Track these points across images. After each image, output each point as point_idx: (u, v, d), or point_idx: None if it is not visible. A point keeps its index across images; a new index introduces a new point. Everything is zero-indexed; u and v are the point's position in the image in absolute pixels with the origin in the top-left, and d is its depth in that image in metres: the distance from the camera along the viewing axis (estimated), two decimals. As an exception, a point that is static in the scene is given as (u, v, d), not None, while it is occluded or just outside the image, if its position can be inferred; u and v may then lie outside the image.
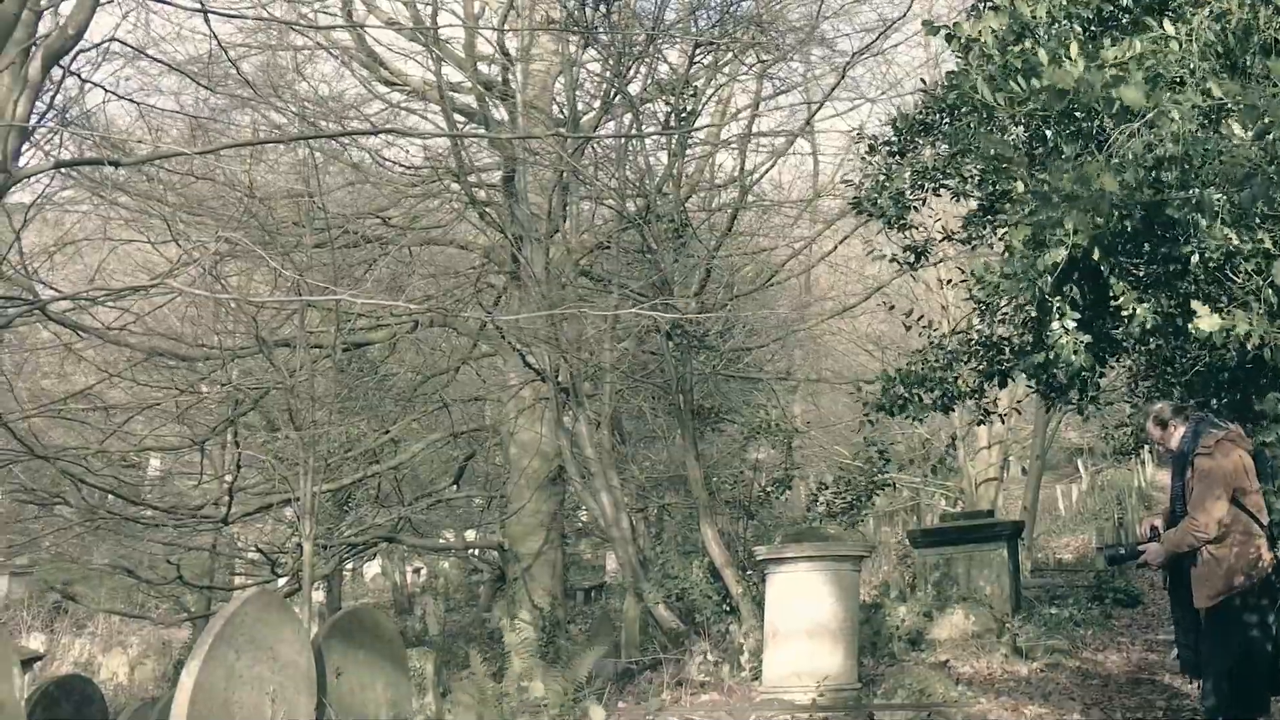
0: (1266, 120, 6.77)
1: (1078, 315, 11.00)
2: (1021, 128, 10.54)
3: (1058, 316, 10.63)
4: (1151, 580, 22.37)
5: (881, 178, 13.72)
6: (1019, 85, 8.23)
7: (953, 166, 13.02)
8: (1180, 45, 7.95)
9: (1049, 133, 9.68)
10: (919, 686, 13.50)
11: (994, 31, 9.74)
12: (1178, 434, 9.72)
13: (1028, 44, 9.58)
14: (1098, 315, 12.07)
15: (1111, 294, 11.32)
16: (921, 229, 14.34)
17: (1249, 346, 6.55)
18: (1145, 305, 10.90)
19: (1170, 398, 10.80)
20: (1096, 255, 9.86)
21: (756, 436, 21.16)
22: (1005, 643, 16.34)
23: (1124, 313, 11.22)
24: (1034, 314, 11.17)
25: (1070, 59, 7.45)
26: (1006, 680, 14.59)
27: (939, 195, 13.93)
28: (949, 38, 11.22)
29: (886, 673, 14.61)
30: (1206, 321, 6.33)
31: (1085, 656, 16.24)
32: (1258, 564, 9.23)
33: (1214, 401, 10.81)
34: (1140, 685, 13.92)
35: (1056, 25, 10.39)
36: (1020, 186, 10.36)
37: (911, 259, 14.31)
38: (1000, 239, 10.92)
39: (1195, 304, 6.48)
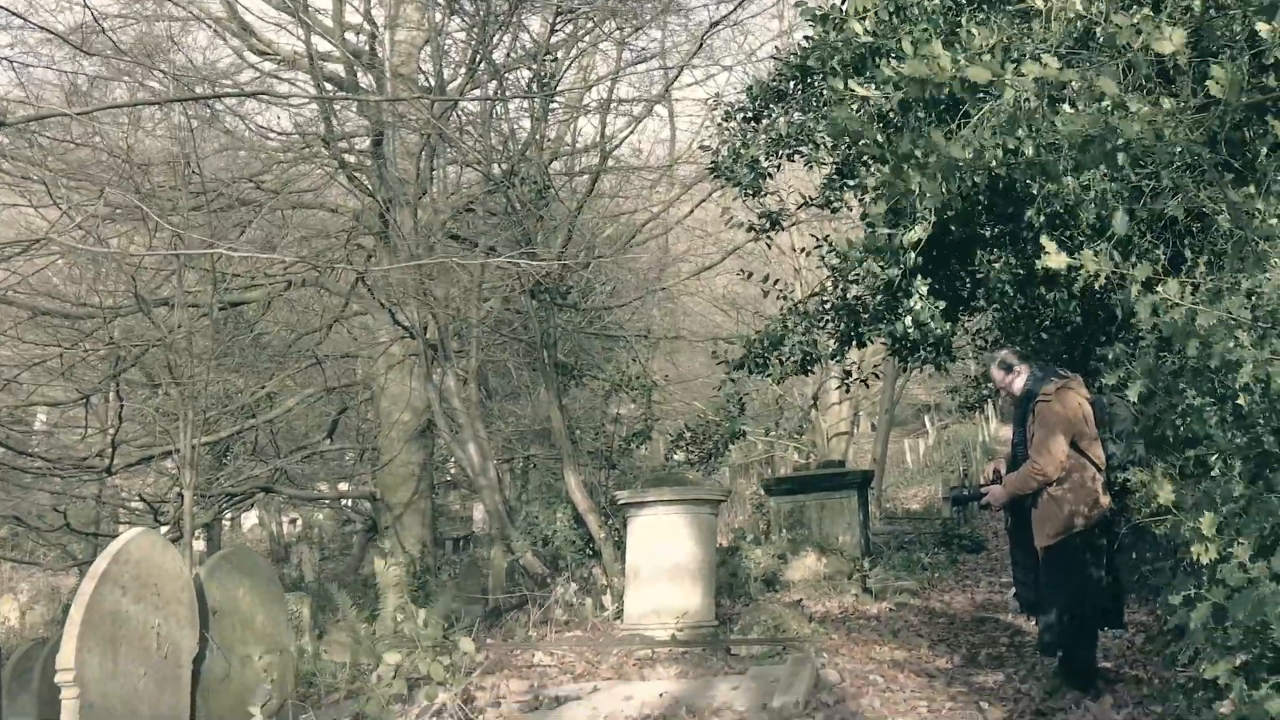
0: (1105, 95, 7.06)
1: (932, 283, 11.31)
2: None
3: (915, 292, 10.94)
4: (995, 528, 22.83)
5: (737, 145, 13.88)
6: (884, 71, 8.46)
7: (805, 134, 13.19)
8: (1040, 24, 8.21)
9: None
10: (774, 623, 13.66)
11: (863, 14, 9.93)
12: (1021, 379, 9.96)
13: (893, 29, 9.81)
14: (951, 279, 12.40)
15: (964, 257, 11.65)
16: (776, 197, 14.53)
17: (1096, 287, 6.83)
18: (997, 266, 11.25)
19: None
20: (951, 220, 10.16)
21: (618, 392, 21.35)
22: (856, 584, 16.64)
23: (978, 275, 11.57)
24: (891, 281, 11.40)
25: (931, 46, 7.68)
26: (858, 619, 14.83)
27: (793, 161, 14.11)
28: (822, 18, 11.43)
29: (743, 611, 14.76)
30: (1055, 259, 6.55)
31: (932, 598, 16.55)
32: (1095, 505, 9.51)
33: (1062, 356, 11.08)
34: (984, 624, 14.22)
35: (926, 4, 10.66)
36: (873, 156, 10.59)
37: (767, 226, 14.50)
38: (859, 204, 11.13)
39: (1044, 240, 6.71)
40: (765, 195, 14.26)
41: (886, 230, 10.34)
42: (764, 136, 13.63)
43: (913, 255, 10.13)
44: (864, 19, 9.78)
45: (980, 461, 33.50)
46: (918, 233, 9.85)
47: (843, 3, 11.67)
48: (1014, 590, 11.48)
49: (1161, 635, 10.84)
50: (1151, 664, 10.53)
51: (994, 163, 8.39)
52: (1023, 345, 12.25)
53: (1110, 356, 7.12)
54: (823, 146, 13.23)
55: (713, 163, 14.17)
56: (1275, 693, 5.35)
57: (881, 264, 11.06)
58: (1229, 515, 5.99)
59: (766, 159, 13.73)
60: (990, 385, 17.90)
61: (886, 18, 10.50)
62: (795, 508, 20.65)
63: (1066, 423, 9.46)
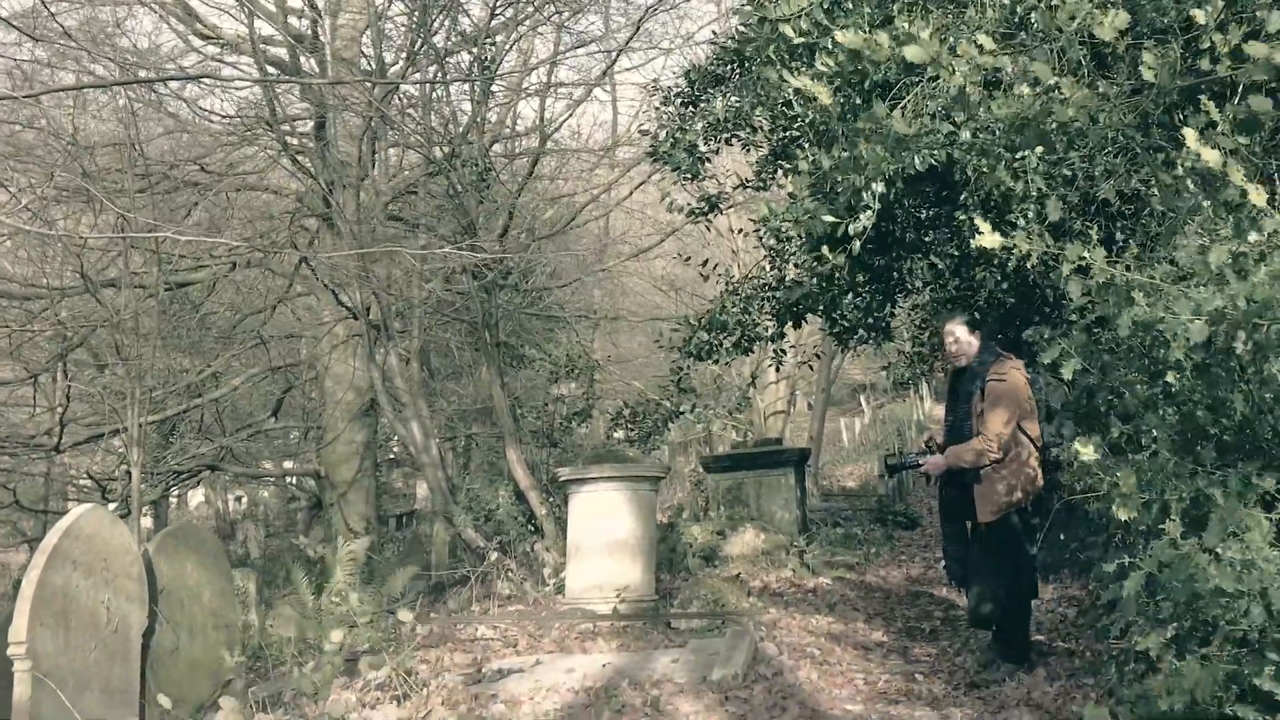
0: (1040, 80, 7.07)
1: (871, 267, 11.32)
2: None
3: (855, 281, 10.95)
4: (930, 505, 22.91)
5: (675, 129, 13.86)
6: (819, 66, 8.46)
7: (742, 118, 13.18)
8: (975, 10, 8.23)
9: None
10: (713, 597, 13.68)
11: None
12: (973, 349, 10.00)
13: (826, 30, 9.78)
14: (888, 264, 12.42)
15: (901, 240, 11.66)
16: (714, 180, 14.51)
17: (1029, 266, 6.84)
18: (933, 247, 11.29)
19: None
20: (893, 205, 10.15)
21: (561, 375, 21.38)
22: (794, 559, 16.64)
23: (914, 257, 11.59)
24: (831, 272, 11.40)
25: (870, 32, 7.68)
26: (795, 593, 14.86)
27: (730, 145, 14.10)
28: (762, 21, 11.40)
29: (683, 585, 14.77)
30: (989, 239, 6.56)
31: (869, 573, 16.59)
32: (1033, 483, 9.57)
33: (997, 335, 11.09)
34: (919, 598, 14.29)
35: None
36: (811, 139, 10.62)
37: (705, 209, 14.48)
38: (789, 183, 11.09)
39: (978, 220, 6.72)
40: (703, 179, 14.25)
41: (830, 219, 10.31)
42: (701, 121, 13.61)
43: (857, 244, 10.10)
44: (798, 19, 9.75)
45: (915, 439, 33.60)
46: (863, 221, 9.80)
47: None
48: (944, 563, 11.54)
49: (1094, 608, 10.90)
50: (1084, 637, 10.58)
51: (934, 145, 8.41)
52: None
53: (1041, 335, 7.13)
54: (760, 130, 13.23)
55: (651, 147, 14.15)
56: (1204, 665, 5.37)
57: (819, 255, 11.04)
58: (1157, 490, 6.02)
59: (704, 143, 13.72)
60: (929, 360, 17.97)
61: (821, 16, 10.48)
62: (734, 485, 20.67)
63: (1015, 402, 9.50)
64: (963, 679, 9.86)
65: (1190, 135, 6.26)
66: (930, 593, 14.42)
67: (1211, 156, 6.11)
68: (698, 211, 14.45)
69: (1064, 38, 7.18)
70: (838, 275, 11.50)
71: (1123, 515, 6.09)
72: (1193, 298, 5.80)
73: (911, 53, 7.34)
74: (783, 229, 11.17)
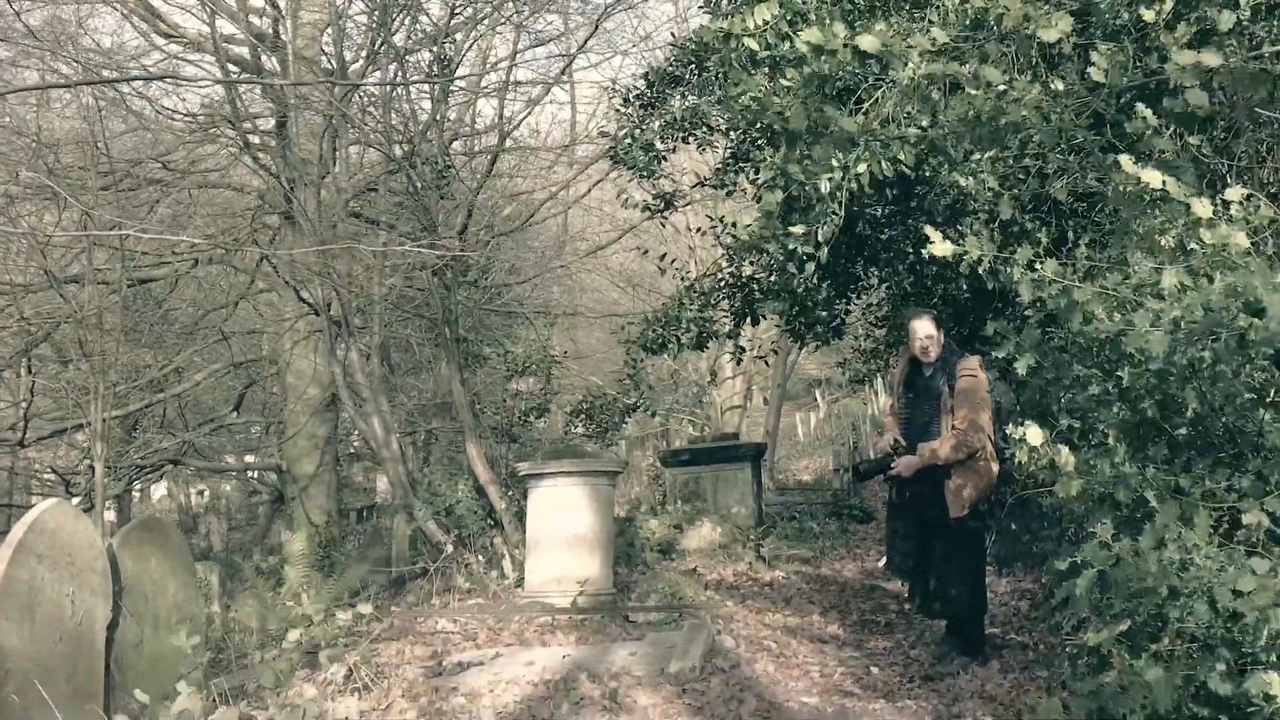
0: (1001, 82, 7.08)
1: (829, 268, 11.31)
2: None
3: (816, 284, 10.95)
4: (884, 498, 23.01)
5: (634, 129, 13.85)
6: (783, 81, 8.45)
7: (700, 117, 13.17)
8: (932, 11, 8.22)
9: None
10: (671, 590, 13.72)
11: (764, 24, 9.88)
12: (940, 345, 9.99)
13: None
14: (848, 264, 12.42)
15: (858, 240, 11.66)
16: (670, 179, 14.49)
17: (980, 270, 6.84)
18: (890, 246, 11.30)
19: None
20: (854, 205, 10.14)
21: (518, 371, 21.35)
22: (750, 553, 16.66)
23: (870, 255, 11.60)
24: (793, 275, 11.38)
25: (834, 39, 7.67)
26: (752, 586, 14.89)
27: (687, 144, 14.09)
28: (727, 36, 11.38)
29: (640, 579, 14.80)
30: (940, 247, 6.58)
31: (824, 566, 16.62)
32: (991, 480, 9.61)
33: (953, 332, 11.09)
34: (874, 591, 14.32)
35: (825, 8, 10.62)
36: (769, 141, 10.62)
37: (661, 206, 14.46)
38: (753, 186, 11.08)
39: (929, 230, 6.74)
40: (660, 178, 14.24)
41: (793, 230, 10.33)
42: (659, 120, 13.60)
43: (825, 251, 10.11)
44: (762, 33, 9.75)
45: (869, 434, 33.67)
46: (828, 229, 9.82)
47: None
48: (884, 559, 11.54)
49: (1047, 602, 10.92)
50: (1037, 630, 10.62)
51: (885, 152, 8.41)
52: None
53: (992, 332, 7.14)
54: (717, 130, 13.22)
55: (611, 147, 14.13)
56: (1156, 661, 5.37)
57: (783, 258, 11.03)
58: (1106, 486, 6.02)
59: (661, 142, 13.72)
60: (884, 356, 17.98)
61: (785, 28, 10.49)
62: (691, 479, 20.70)
63: (986, 397, 9.52)
64: (917, 671, 9.88)
65: (1125, 161, 6.27)
66: (884, 586, 14.45)
67: (1152, 178, 6.12)
68: (653, 209, 14.43)
69: (1015, 40, 7.19)
70: (796, 278, 11.48)
71: (1062, 493, 6.11)
72: (1151, 308, 5.80)
73: (866, 42, 7.36)
74: (747, 237, 11.19)
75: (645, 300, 28.51)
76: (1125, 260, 6.34)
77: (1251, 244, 6.01)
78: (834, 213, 9.20)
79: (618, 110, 14.58)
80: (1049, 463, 6.18)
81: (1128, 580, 5.47)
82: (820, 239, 9.41)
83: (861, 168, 8.67)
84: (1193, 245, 6.11)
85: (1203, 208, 6.01)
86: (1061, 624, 8.74)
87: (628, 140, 13.74)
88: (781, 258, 11.08)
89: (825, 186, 8.81)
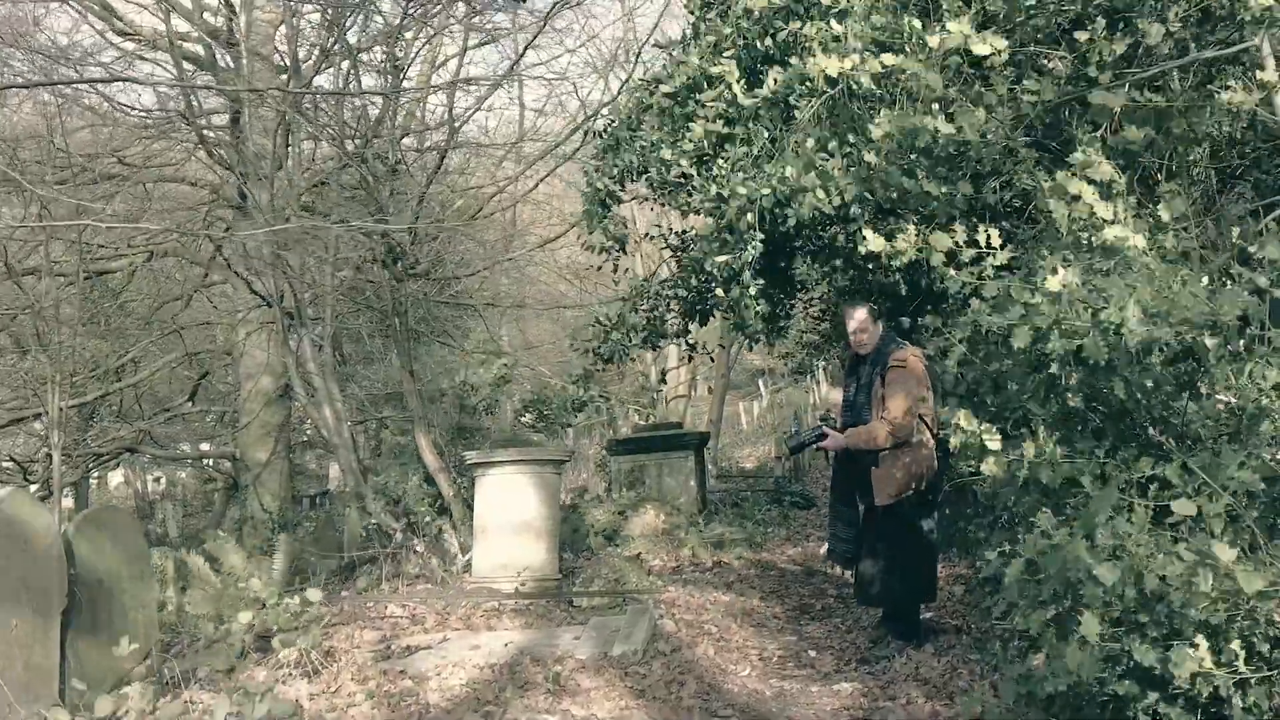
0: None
1: (765, 271, 11.38)
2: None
3: (750, 289, 11.02)
4: (824, 484, 22.99)
5: (594, 195, 13.69)
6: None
7: (650, 155, 13.02)
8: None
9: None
10: (615, 576, 13.74)
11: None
12: (875, 336, 10.02)
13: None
14: (786, 267, 12.46)
15: (795, 240, 11.69)
16: (621, 222, 14.37)
17: (904, 261, 6.87)
18: (827, 244, 11.38)
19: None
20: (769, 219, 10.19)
21: (469, 363, 21.33)
22: (693, 539, 16.65)
23: (809, 253, 11.66)
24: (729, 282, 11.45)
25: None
26: (694, 571, 14.89)
27: (635, 181, 14.00)
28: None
29: (586, 565, 14.81)
30: (874, 243, 6.67)
31: (765, 552, 16.62)
32: (930, 466, 9.61)
33: (891, 324, 11.10)
34: (814, 576, 14.34)
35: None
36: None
37: (615, 247, 14.36)
38: (702, 200, 11.11)
39: (865, 230, 6.83)
40: (614, 222, 14.14)
41: (718, 259, 10.57)
42: (616, 168, 13.49)
43: (748, 275, 10.29)
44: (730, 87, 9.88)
45: (811, 423, 33.77)
46: (750, 253, 10.10)
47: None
48: (827, 545, 11.56)
49: (980, 587, 10.95)
50: (970, 615, 10.64)
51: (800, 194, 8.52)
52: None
53: (926, 323, 7.16)
54: (668, 166, 13.12)
55: (585, 218, 14.02)
56: (1082, 646, 5.38)
57: (721, 276, 11.15)
58: (1033, 470, 6.03)
59: (619, 187, 13.65)
60: (825, 348, 18.01)
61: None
62: (636, 467, 20.68)
63: (915, 388, 9.52)
64: (853, 654, 9.91)
65: (1057, 207, 6.33)
66: (824, 571, 14.46)
67: (1080, 188, 6.18)
68: (608, 250, 14.33)
69: (946, 56, 7.20)
70: (734, 291, 11.52)
71: (987, 472, 6.14)
72: (1090, 304, 5.83)
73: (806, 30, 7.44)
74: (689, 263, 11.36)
75: (591, 293, 28.47)
76: (1052, 250, 6.38)
77: (1157, 245, 6.08)
78: (757, 241, 9.38)
79: (587, 175, 14.42)
80: (980, 446, 6.21)
81: (1060, 571, 5.48)
82: (746, 260, 9.55)
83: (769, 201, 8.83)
84: (1097, 244, 6.16)
85: (1104, 209, 6.07)
86: (993, 609, 8.79)
87: (594, 200, 13.67)
88: (719, 275, 11.20)
89: (749, 218, 8.96)
